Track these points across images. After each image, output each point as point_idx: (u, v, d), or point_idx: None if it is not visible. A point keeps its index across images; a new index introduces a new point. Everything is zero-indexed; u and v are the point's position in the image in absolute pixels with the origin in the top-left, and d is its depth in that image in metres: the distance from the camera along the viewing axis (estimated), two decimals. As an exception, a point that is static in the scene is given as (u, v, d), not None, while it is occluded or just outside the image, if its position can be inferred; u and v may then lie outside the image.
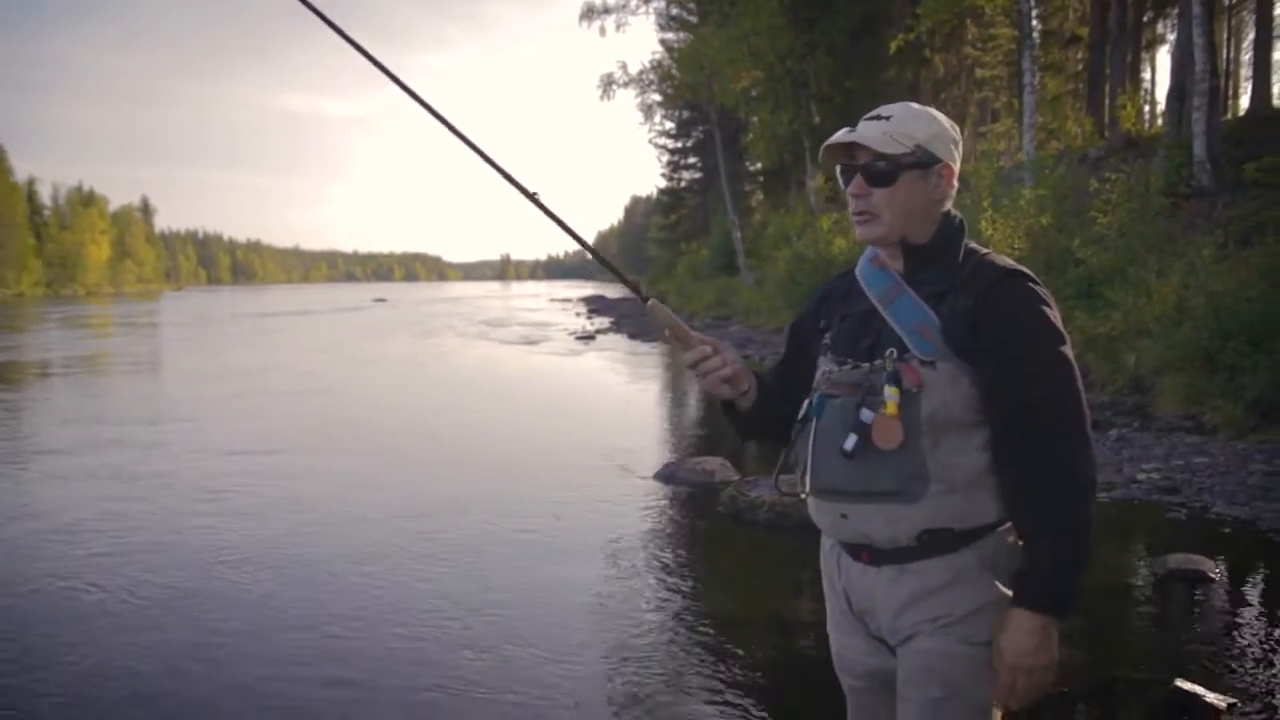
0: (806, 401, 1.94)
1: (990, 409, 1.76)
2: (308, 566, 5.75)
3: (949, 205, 1.89)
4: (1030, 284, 1.80)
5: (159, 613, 4.93)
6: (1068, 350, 1.77)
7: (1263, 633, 4.52)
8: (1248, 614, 4.85)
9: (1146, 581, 5.23)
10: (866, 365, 1.83)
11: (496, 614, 4.90)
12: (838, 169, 1.91)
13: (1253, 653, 4.21)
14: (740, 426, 2.11)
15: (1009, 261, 1.85)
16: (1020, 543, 1.77)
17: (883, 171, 1.82)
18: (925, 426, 1.75)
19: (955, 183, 1.88)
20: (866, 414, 1.78)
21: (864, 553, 1.87)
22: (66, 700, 3.91)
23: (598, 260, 2.01)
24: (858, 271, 1.97)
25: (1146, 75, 33.52)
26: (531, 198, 2.01)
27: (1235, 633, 4.53)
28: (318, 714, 3.84)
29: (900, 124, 1.82)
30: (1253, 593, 5.22)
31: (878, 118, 1.85)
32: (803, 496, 1.95)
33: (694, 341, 1.96)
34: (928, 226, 1.86)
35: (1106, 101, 23.95)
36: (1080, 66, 31.28)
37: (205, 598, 5.14)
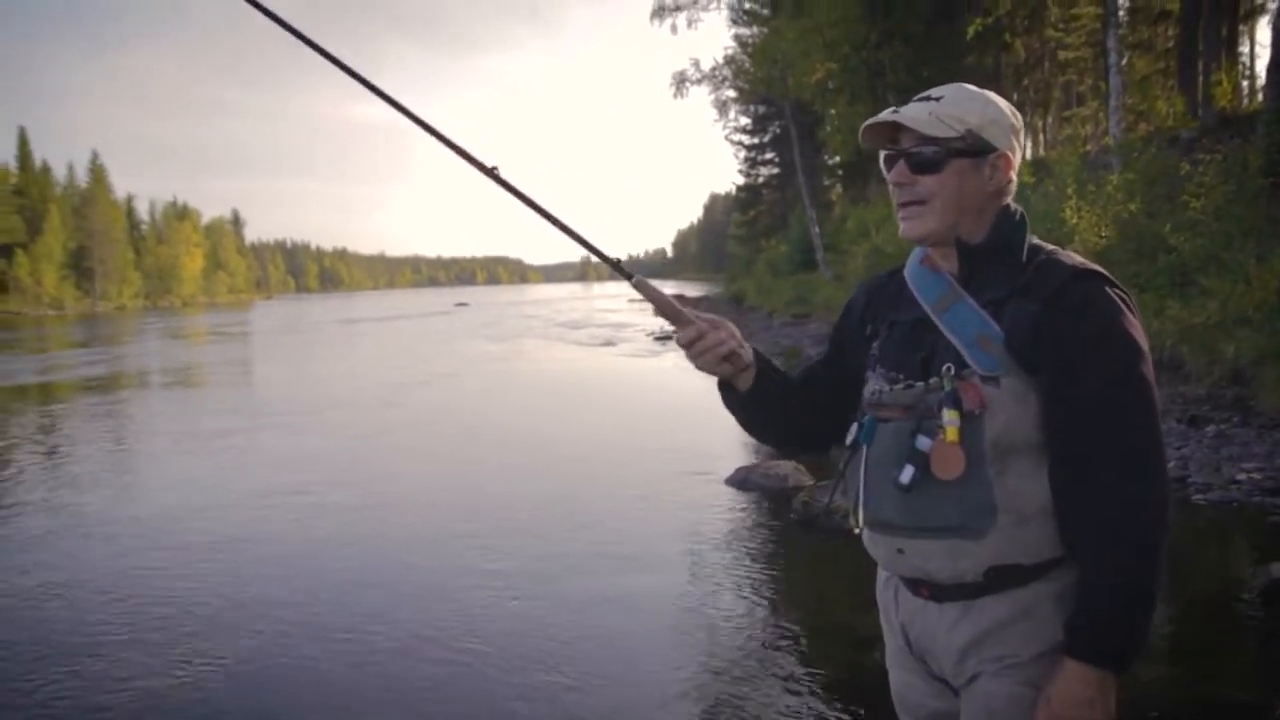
0: (855, 425, 1.75)
1: (1052, 427, 1.57)
2: (377, 568, 5.83)
3: (1009, 199, 1.69)
4: (1106, 286, 1.58)
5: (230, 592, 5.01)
6: (1146, 367, 1.54)
7: (1379, 649, 4.19)
8: (1362, 628, 4.50)
9: (1249, 593, 4.88)
10: (921, 384, 1.64)
11: (567, 619, 4.90)
12: (881, 156, 1.71)
13: (1368, 672, 3.89)
14: (736, 411, 1.88)
15: (1081, 260, 1.63)
16: None
17: (929, 158, 1.62)
18: (990, 452, 1.56)
19: (1014, 175, 1.67)
20: (924, 441, 1.59)
21: (923, 588, 1.69)
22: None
23: (569, 234, 1.75)
24: (906, 273, 1.77)
25: (1244, 49, 32.09)
26: (489, 173, 1.74)
27: (1348, 649, 4.20)
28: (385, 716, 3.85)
29: (950, 105, 1.63)
30: (1367, 604, 4.85)
31: (927, 98, 1.66)
32: (856, 531, 1.77)
33: (685, 320, 1.74)
34: (983, 222, 1.66)
35: (1200, 79, 22.92)
36: (1171, 43, 30.06)
37: (271, 591, 5.21)
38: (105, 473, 9.51)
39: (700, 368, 1.79)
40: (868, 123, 1.69)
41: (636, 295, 1.72)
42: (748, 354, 1.81)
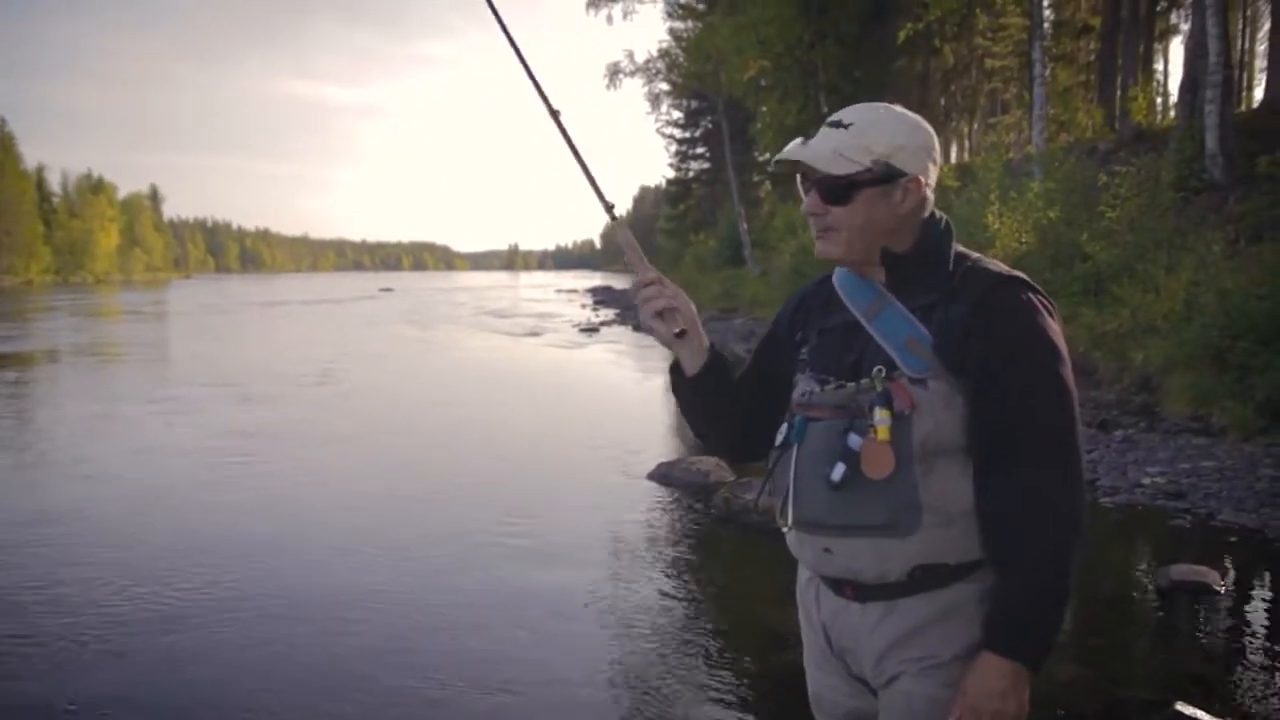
0: (785, 425, 1.76)
1: (974, 428, 1.60)
2: (292, 565, 5.66)
3: (929, 211, 1.70)
4: (1028, 293, 1.63)
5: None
6: (1065, 370, 1.59)
7: (1270, 650, 4.35)
8: (1254, 629, 4.66)
9: (1148, 593, 5.07)
10: (852, 385, 1.66)
11: (484, 615, 4.83)
12: (798, 178, 1.73)
13: (1259, 672, 4.05)
14: (682, 398, 1.90)
15: (1005, 267, 1.68)
16: None
17: (838, 190, 1.65)
18: (918, 452, 1.58)
19: (929, 192, 1.69)
20: (855, 440, 1.61)
21: (848, 588, 1.71)
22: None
23: (578, 162, 1.91)
24: (835, 280, 1.79)
25: (1159, 66, 33.18)
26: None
27: (1241, 650, 4.35)
28: (299, 713, 3.78)
29: (858, 135, 1.63)
30: (1259, 606, 5.05)
31: (838, 124, 1.67)
32: (785, 530, 1.77)
33: (644, 269, 1.83)
34: (907, 235, 1.69)
35: (1118, 93, 23.67)
36: (1092, 57, 30.97)
37: (184, 594, 5.05)
38: (15, 448, 9.15)
39: (642, 315, 1.82)
40: (777, 158, 1.71)
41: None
42: (700, 337, 1.82)
